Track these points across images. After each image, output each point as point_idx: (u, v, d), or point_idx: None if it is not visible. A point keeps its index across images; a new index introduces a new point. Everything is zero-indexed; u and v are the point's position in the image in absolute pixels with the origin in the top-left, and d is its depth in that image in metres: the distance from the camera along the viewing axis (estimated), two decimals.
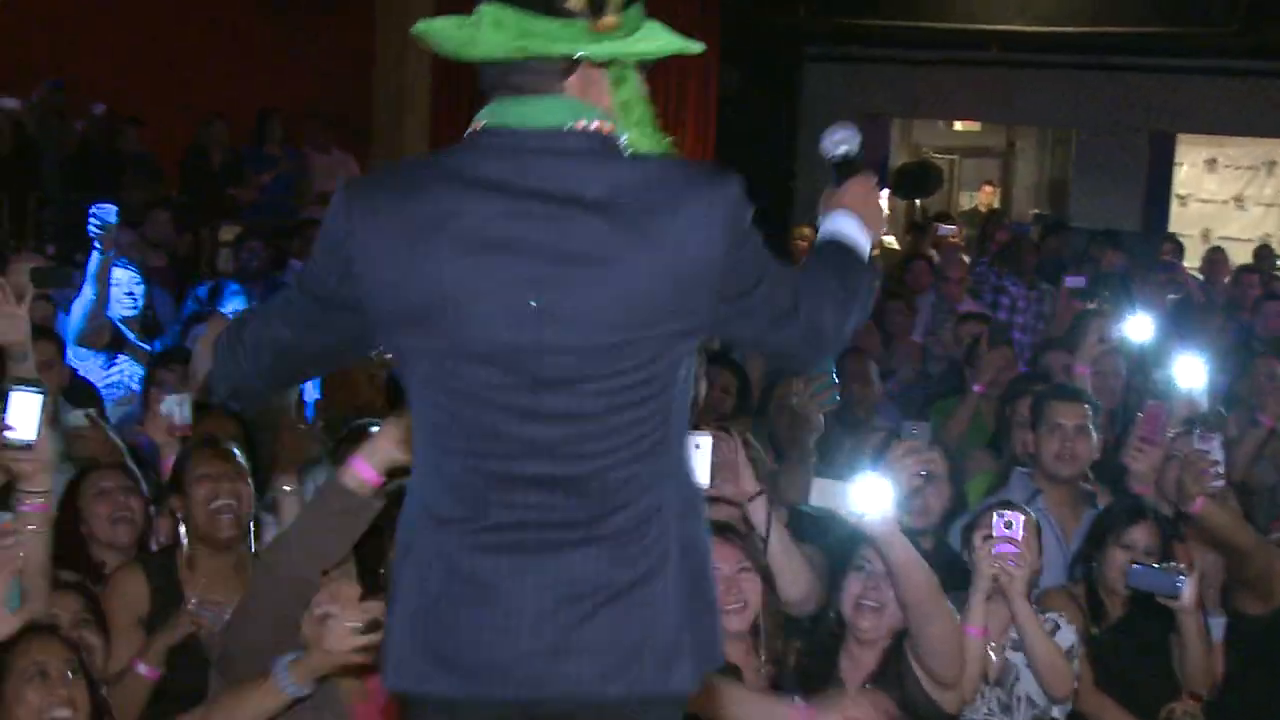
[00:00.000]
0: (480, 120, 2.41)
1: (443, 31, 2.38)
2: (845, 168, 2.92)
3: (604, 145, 2.38)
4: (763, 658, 3.98)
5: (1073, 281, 9.49)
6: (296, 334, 2.54)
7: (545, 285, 2.32)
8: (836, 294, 2.61)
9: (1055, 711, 4.15)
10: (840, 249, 2.74)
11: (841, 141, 2.95)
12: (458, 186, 2.35)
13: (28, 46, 11.25)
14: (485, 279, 2.32)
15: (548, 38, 2.34)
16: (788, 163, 15.90)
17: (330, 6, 12.41)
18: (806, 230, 12.08)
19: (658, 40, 2.44)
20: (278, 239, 9.58)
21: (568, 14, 2.34)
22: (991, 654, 4.12)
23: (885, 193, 16.98)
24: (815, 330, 2.58)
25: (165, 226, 8.96)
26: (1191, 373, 5.44)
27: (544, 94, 2.38)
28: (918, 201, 17.51)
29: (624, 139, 2.41)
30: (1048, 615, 4.19)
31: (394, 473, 3.31)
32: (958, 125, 18.52)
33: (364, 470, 3.36)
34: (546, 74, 2.37)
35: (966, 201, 17.75)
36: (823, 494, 3.89)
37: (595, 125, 2.38)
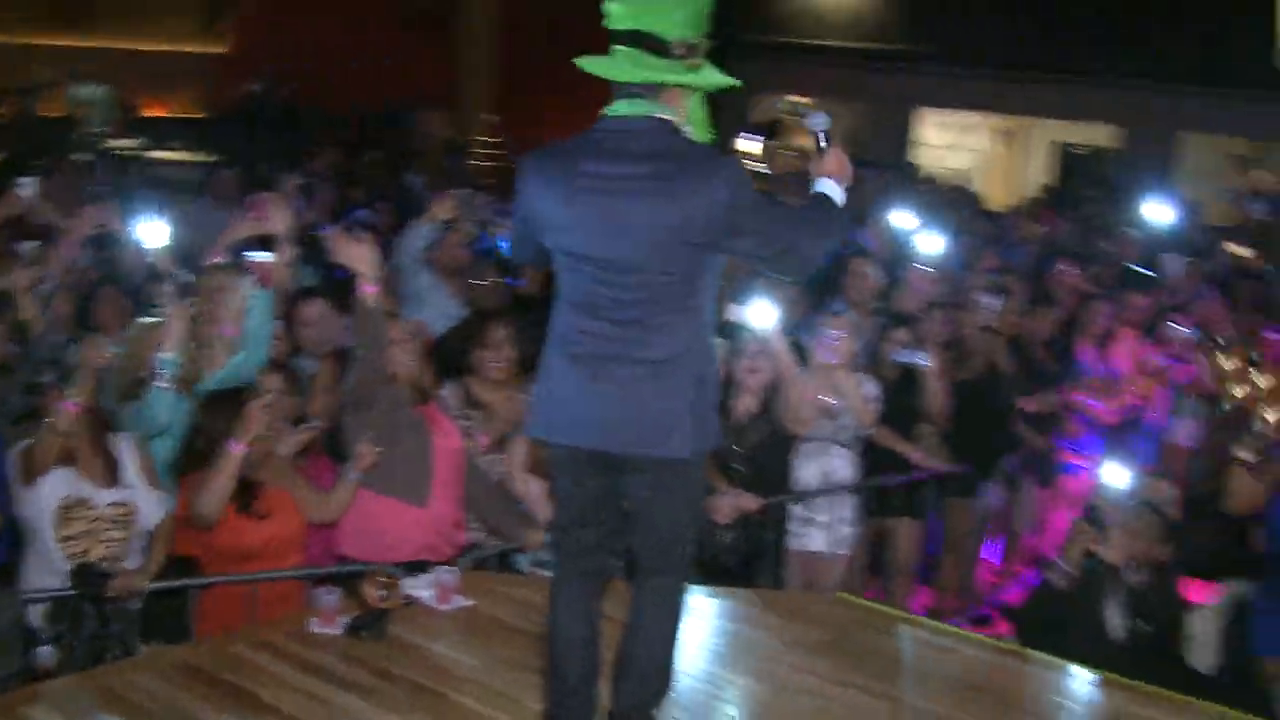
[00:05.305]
0: (605, 111, 3.44)
1: (595, 65, 3.43)
2: (826, 141, 3.64)
3: (669, 129, 3.41)
4: None
5: None
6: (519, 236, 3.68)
7: (619, 212, 3.33)
8: (817, 229, 3.46)
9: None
10: (825, 200, 3.58)
11: (820, 124, 3.66)
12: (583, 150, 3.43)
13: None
14: (585, 209, 3.38)
15: (658, 70, 3.37)
16: None
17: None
18: None
19: (715, 77, 3.46)
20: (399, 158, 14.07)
21: (673, 57, 3.37)
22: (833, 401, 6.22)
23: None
24: (798, 255, 3.42)
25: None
26: None
27: (644, 98, 3.41)
28: None
29: (686, 129, 3.42)
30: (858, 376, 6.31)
31: None
32: None
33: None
34: (650, 88, 3.41)
35: None
36: (732, 314, 5.52)
37: (667, 118, 3.40)
